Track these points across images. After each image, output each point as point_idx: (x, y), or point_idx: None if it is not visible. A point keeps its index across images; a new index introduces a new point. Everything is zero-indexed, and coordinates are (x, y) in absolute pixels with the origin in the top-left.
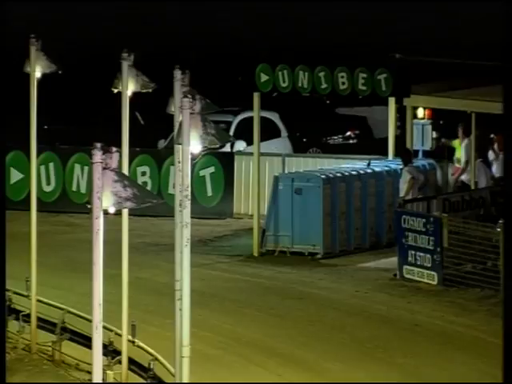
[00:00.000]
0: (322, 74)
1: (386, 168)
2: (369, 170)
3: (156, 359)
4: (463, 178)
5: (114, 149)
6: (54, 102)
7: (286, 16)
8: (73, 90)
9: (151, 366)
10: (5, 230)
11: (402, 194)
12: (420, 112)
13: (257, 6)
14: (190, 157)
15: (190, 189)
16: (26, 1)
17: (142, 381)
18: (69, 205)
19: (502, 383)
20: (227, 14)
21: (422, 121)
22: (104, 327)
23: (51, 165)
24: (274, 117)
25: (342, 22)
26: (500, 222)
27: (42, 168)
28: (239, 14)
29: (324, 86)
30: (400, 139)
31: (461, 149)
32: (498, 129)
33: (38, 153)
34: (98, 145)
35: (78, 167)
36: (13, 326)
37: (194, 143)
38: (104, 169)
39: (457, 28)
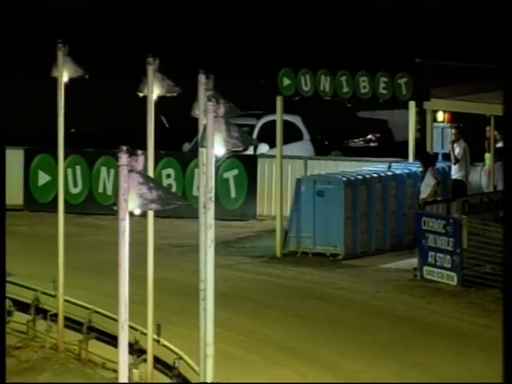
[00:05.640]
0: (343, 78)
1: (407, 171)
2: (389, 173)
3: (180, 358)
4: (457, 176)
5: (140, 152)
6: (81, 106)
7: (307, 20)
8: (100, 93)
9: (176, 365)
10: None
11: (423, 195)
12: (440, 115)
13: (279, 10)
14: (213, 159)
15: (213, 191)
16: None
17: (167, 379)
18: (95, 207)
19: (502, 383)
20: (250, 18)
21: (442, 124)
22: (130, 326)
23: (78, 167)
24: (297, 120)
25: (363, 26)
26: None
27: (69, 171)
28: (262, 18)
29: (345, 89)
30: (420, 142)
31: (455, 148)
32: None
33: (65, 156)
34: (124, 148)
35: (104, 170)
36: (40, 325)
37: (217, 146)
38: (130, 171)
39: (477, 31)
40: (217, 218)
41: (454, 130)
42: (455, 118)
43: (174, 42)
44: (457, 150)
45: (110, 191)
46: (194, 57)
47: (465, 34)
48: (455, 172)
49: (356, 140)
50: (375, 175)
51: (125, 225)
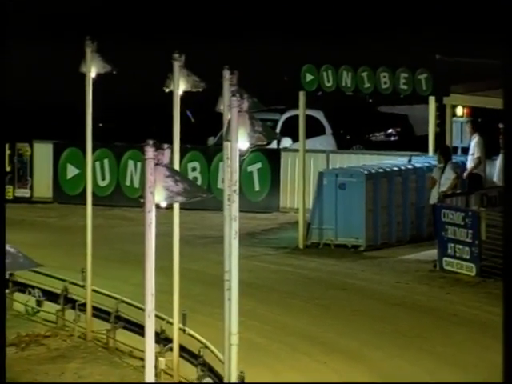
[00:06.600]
0: (364, 74)
1: (427, 164)
2: (410, 166)
3: (206, 347)
4: (476, 171)
5: (166, 145)
6: (109, 100)
7: (329, 17)
8: (126, 88)
9: (201, 353)
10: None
11: (443, 188)
12: (459, 110)
13: (302, 8)
14: (238, 153)
15: (238, 184)
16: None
17: (193, 367)
18: (122, 199)
19: (503, 383)
20: (273, 15)
21: (461, 119)
22: (156, 316)
23: (106, 161)
24: (319, 115)
25: (383, 23)
26: None
27: (97, 164)
28: (285, 16)
29: (367, 85)
30: (440, 136)
31: (471, 144)
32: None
33: (94, 149)
34: (151, 142)
35: (131, 163)
36: (69, 314)
37: (241, 140)
38: (156, 165)
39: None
40: (241, 210)
41: (468, 125)
42: (475, 112)
43: (198, 37)
44: (477, 147)
45: (137, 184)
46: (217, 51)
47: (483, 30)
48: (478, 168)
49: (377, 134)
50: (396, 168)
51: (151, 217)
